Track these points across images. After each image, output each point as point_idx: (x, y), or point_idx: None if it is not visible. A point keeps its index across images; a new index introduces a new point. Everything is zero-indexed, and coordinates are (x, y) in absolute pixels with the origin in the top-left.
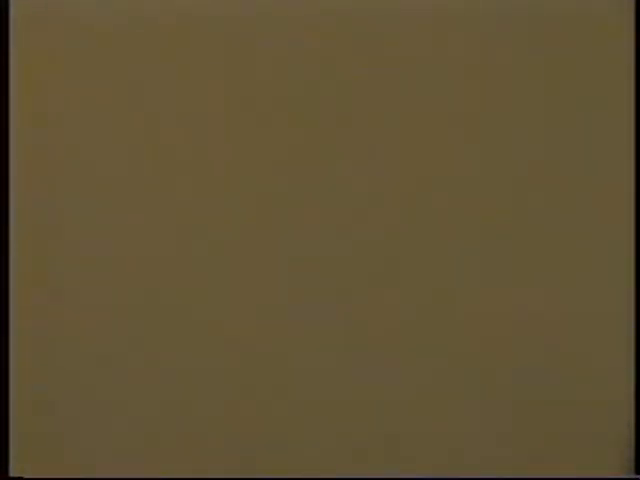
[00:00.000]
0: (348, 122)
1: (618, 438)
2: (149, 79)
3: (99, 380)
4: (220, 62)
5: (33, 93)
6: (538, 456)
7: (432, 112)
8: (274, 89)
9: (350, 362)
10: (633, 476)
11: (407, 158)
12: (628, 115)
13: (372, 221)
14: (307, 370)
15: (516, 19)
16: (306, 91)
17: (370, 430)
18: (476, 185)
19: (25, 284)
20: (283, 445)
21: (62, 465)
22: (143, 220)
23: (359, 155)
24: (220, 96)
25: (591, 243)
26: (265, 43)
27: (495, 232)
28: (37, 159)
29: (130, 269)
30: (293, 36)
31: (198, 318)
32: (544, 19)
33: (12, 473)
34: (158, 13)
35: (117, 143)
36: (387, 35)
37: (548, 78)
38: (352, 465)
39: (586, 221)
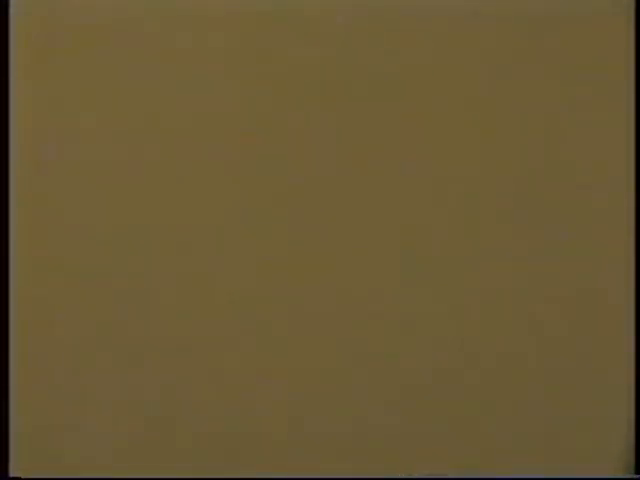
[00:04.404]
0: (350, 122)
1: (618, 437)
2: (151, 78)
3: (100, 380)
4: (222, 62)
5: (33, 92)
6: (538, 455)
7: (431, 113)
8: (280, 88)
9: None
10: (633, 476)
11: (409, 159)
12: (628, 115)
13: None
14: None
15: (516, 19)
16: (311, 92)
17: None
18: (476, 185)
19: (25, 283)
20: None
21: (62, 465)
22: (144, 220)
23: (360, 155)
24: (222, 96)
25: (591, 243)
26: (272, 42)
27: (494, 230)
28: (37, 158)
29: (129, 267)
30: (300, 36)
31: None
32: (544, 19)
33: (12, 473)
34: (160, 11)
35: (117, 142)
36: (389, 37)
37: (548, 78)
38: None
39: (585, 221)
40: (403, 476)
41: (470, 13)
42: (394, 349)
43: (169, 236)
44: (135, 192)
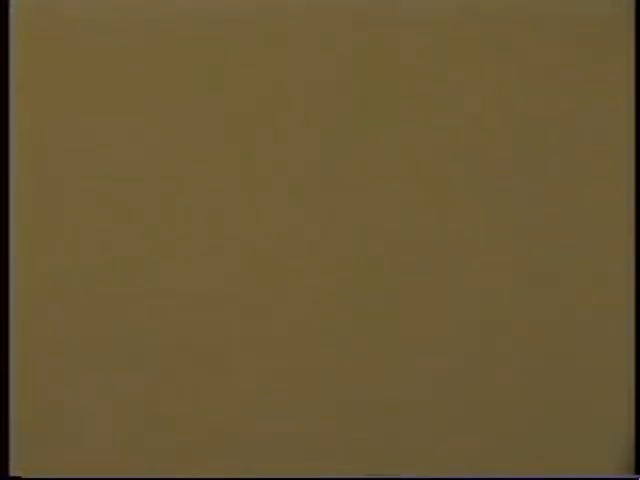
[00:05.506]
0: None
1: (618, 438)
2: (151, 79)
3: (100, 380)
4: (225, 63)
5: (33, 92)
6: (538, 456)
7: (431, 116)
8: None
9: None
10: (633, 476)
11: (414, 161)
12: (628, 116)
13: (381, 230)
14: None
15: (516, 19)
16: (313, 92)
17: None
18: (476, 184)
19: (26, 283)
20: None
21: (62, 465)
22: (145, 221)
23: (359, 154)
24: (226, 96)
25: (591, 243)
26: (275, 43)
27: (495, 231)
28: (37, 159)
29: (128, 269)
30: (304, 37)
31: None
32: (543, 19)
33: (12, 473)
34: (161, 12)
35: (118, 142)
36: (392, 38)
37: (547, 79)
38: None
39: (584, 221)
40: (400, 476)
41: (468, 13)
42: (394, 346)
43: (170, 236)
44: (135, 194)
